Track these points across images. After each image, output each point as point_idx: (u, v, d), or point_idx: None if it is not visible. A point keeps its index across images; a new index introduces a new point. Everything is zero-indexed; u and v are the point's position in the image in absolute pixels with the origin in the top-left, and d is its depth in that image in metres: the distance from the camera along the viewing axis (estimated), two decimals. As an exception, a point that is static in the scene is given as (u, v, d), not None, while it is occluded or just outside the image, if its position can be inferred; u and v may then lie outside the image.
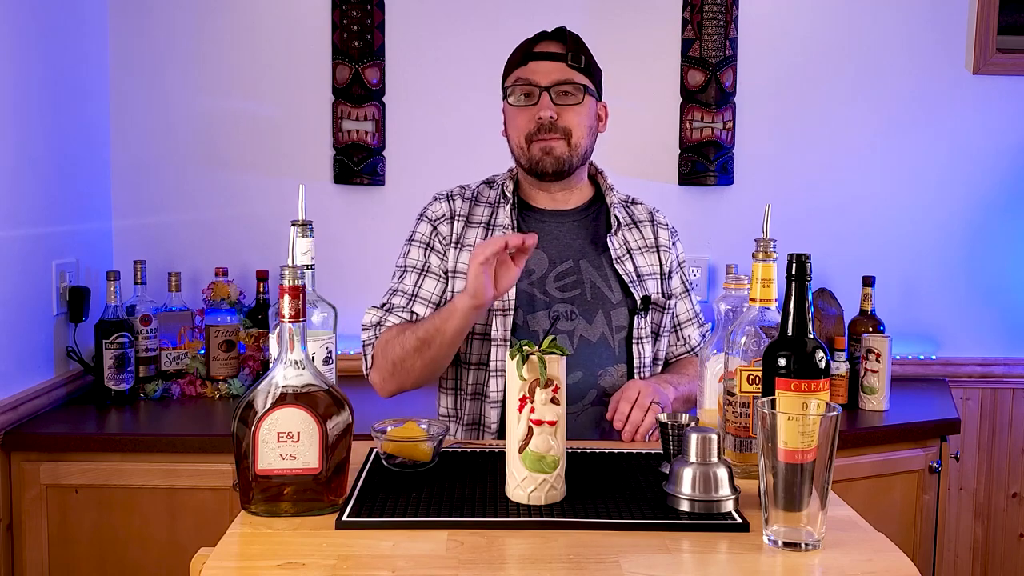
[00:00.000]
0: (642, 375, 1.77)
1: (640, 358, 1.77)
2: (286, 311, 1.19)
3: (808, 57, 2.79)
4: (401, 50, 2.73)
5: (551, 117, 1.72)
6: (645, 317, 1.77)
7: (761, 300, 1.35)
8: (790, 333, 1.23)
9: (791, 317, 1.23)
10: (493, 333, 1.71)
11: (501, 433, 1.70)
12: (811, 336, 1.23)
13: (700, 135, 2.74)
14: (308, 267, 1.42)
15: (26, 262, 2.28)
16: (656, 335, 1.82)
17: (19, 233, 2.24)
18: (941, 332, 2.86)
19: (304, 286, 1.21)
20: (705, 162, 2.74)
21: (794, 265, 1.24)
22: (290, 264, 1.36)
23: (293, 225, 1.41)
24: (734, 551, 1.11)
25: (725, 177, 2.76)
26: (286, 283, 1.19)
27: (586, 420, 1.73)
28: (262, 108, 2.73)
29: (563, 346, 1.25)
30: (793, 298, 1.23)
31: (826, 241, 2.79)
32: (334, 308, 1.46)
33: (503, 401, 1.70)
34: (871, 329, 2.55)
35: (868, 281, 2.60)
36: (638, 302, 1.76)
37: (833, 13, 2.78)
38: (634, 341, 1.76)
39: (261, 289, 2.62)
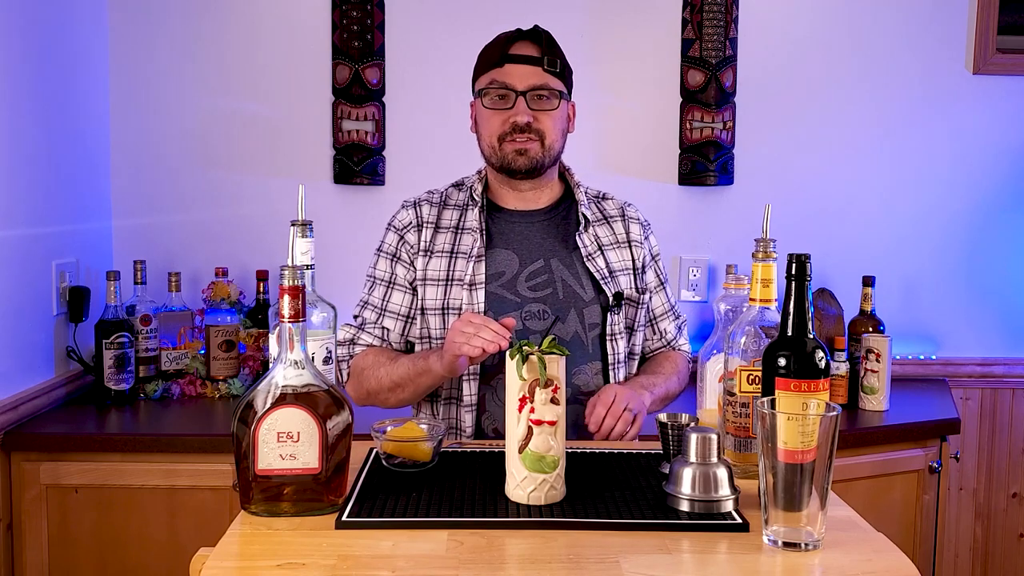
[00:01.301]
0: (616, 372, 1.78)
1: (614, 354, 1.77)
2: (286, 311, 1.19)
3: (808, 57, 2.79)
4: (401, 50, 2.73)
5: (527, 122, 1.73)
6: (618, 313, 1.78)
7: (761, 300, 1.35)
8: (790, 333, 1.23)
9: (791, 317, 1.23)
10: None
11: (476, 435, 1.73)
12: (811, 336, 1.23)
13: (700, 135, 2.74)
14: (308, 267, 1.42)
15: (26, 262, 2.28)
16: (631, 330, 1.82)
17: (19, 233, 2.24)
18: (941, 332, 2.86)
19: (304, 286, 1.21)
20: (705, 162, 2.74)
21: (794, 265, 1.24)
22: (290, 264, 1.37)
23: (293, 225, 1.41)
24: (734, 551, 1.11)
25: (725, 177, 2.76)
26: (286, 283, 1.19)
27: None
28: (262, 108, 2.73)
29: (563, 347, 1.25)
30: (793, 298, 1.23)
31: (826, 241, 2.79)
32: (334, 308, 1.46)
33: (477, 404, 1.72)
34: (871, 329, 2.55)
35: (868, 281, 2.60)
36: (610, 299, 1.76)
37: (833, 13, 2.78)
38: (608, 338, 1.77)
39: (261, 289, 2.62)
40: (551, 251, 1.79)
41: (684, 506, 1.20)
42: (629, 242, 1.85)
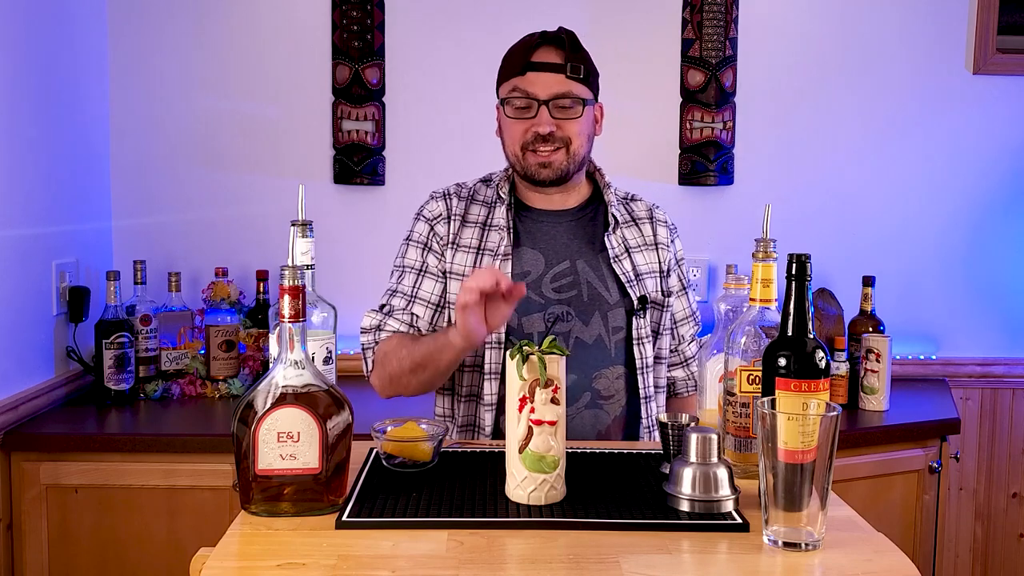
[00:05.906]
0: (645, 376, 1.76)
1: (642, 359, 1.75)
2: (286, 311, 1.19)
3: (808, 57, 2.79)
4: (401, 50, 2.73)
5: (550, 132, 1.70)
6: (644, 317, 1.76)
7: (761, 300, 1.35)
8: (790, 333, 1.23)
9: (791, 317, 1.23)
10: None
11: (495, 435, 1.70)
12: (811, 336, 1.23)
13: (700, 135, 2.74)
14: (308, 267, 1.42)
15: (26, 262, 2.28)
16: (656, 334, 1.80)
17: (19, 233, 2.24)
18: (941, 332, 2.86)
19: (304, 286, 1.21)
20: (705, 162, 2.74)
21: (794, 265, 1.24)
22: (290, 264, 1.36)
23: (293, 225, 1.41)
24: (734, 551, 1.11)
25: (725, 177, 2.76)
26: (286, 283, 1.19)
27: (580, 423, 1.71)
28: (262, 108, 2.73)
29: (563, 346, 1.25)
30: (793, 298, 1.23)
31: (826, 241, 2.79)
32: (334, 308, 1.46)
33: (497, 404, 1.69)
34: (871, 329, 2.55)
35: (868, 281, 2.60)
36: (635, 302, 1.75)
37: (833, 13, 2.78)
38: (634, 342, 1.75)
39: (261, 289, 2.62)
40: (578, 252, 1.76)
41: (684, 506, 1.20)
42: (656, 244, 1.83)
